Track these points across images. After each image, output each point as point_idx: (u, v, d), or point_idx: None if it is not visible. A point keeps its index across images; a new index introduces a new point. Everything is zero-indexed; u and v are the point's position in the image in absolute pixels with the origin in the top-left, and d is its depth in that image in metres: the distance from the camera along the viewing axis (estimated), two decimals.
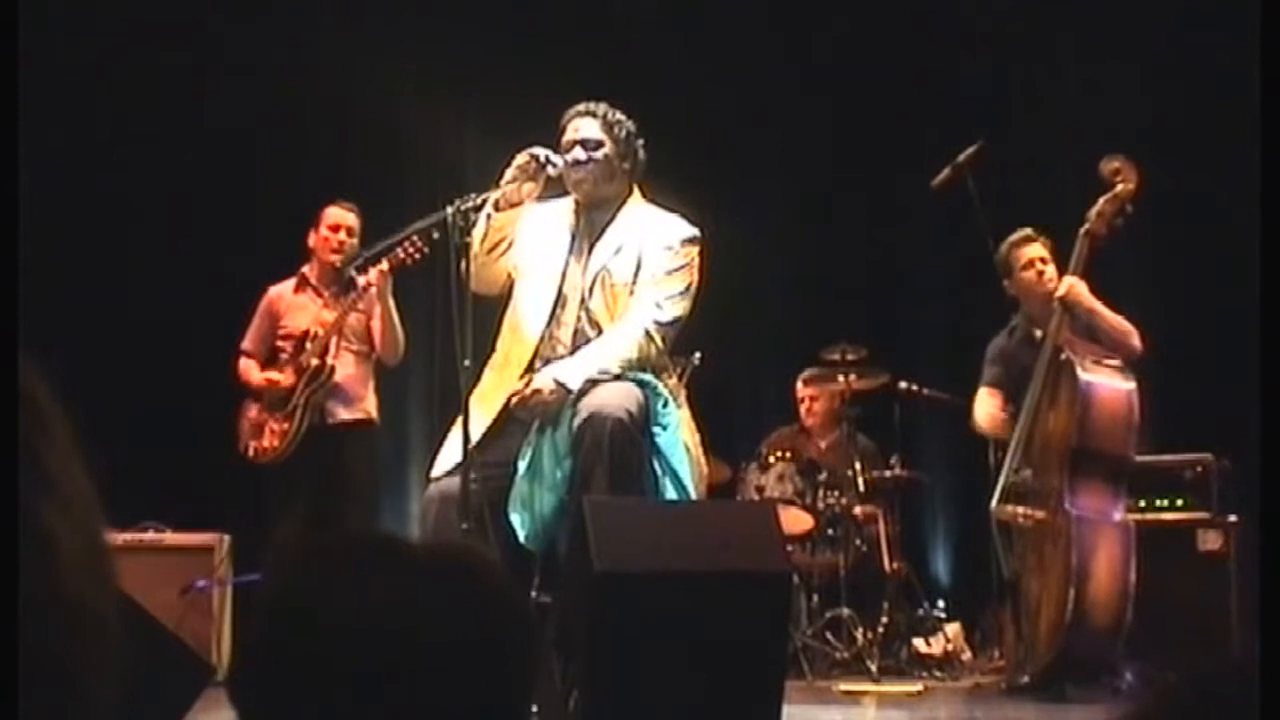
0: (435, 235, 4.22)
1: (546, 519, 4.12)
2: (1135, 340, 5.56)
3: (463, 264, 4.17)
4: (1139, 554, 5.32)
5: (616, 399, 4.07)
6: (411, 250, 5.55)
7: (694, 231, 4.36)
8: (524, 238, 4.43)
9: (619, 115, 4.43)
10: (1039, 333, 5.61)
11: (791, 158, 7.97)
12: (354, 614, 1.06)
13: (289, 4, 7.62)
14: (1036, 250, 5.68)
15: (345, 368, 5.97)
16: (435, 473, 4.26)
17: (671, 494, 4.11)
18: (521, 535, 4.12)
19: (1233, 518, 5.78)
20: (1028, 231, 5.72)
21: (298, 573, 1.12)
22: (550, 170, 4.29)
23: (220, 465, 6.93)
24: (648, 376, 4.22)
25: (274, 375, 5.93)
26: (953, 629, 6.84)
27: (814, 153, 7.91)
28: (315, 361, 5.85)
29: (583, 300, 4.32)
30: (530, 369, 4.33)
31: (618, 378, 4.17)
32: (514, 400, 4.20)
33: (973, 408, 5.85)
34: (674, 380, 4.40)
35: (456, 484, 4.09)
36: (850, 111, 7.81)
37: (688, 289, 4.32)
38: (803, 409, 7.51)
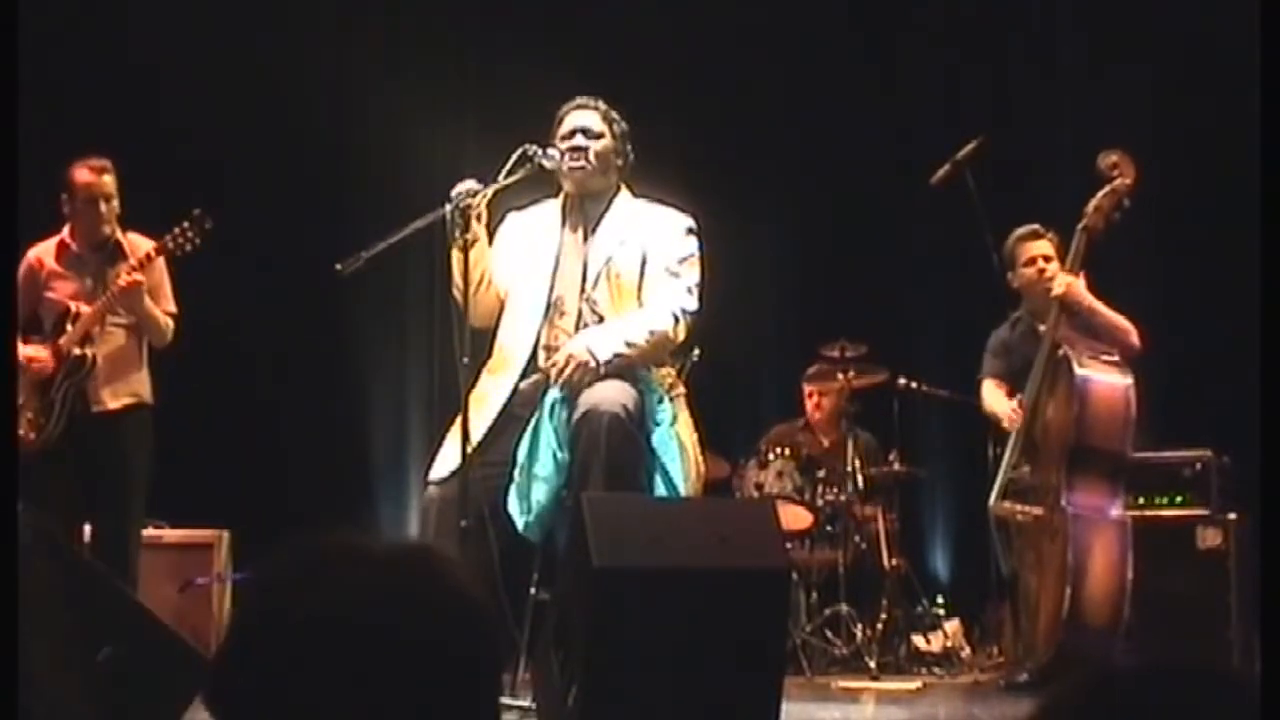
0: (475, 222, 4.22)
1: (542, 508, 4.14)
2: (1134, 338, 5.56)
3: (460, 261, 4.19)
4: (1138, 551, 5.32)
5: (613, 395, 4.08)
6: (181, 240, 5.29)
7: (691, 222, 4.44)
8: (510, 245, 4.49)
9: (615, 112, 4.50)
10: (1042, 327, 5.61)
11: (791, 154, 7.96)
12: (318, 615, 1.06)
13: (290, 2, 7.61)
14: (1040, 247, 5.68)
15: (113, 343, 5.42)
16: (434, 475, 4.26)
17: (662, 491, 4.12)
18: (519, 525, 4.14)
19: (1232, 515, 5.79)
20: (1035, 227, 5.72)
21: (269, 576, 1.13)
22: (546, 163, 4.32)
23: (220, 461, 6.96)
24: (643, 371, 4.24)
25: (35, 353, 5.34)
26: (952, 625, 6.84)
27: (814, 149, 7.90)
28: (76, 351, 5.32)
29: (584, 290, 4.35)
30: (527, 369, 4.35)
31: (633, 360, 4.21)
32: (552, 371, 4.20)
33: (980, 398, 5.85)
34: (672, 375, 4.41)
35: (455, 485, 4.10)
36: (850, 107, 7.81)
37: (699, 279, 4.39)
38: (809, 405, 7.52)
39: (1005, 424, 5.64)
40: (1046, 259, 5.66)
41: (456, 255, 4.21)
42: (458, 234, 4.17)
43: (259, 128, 7.44)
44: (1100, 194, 5.47)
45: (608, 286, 4.33)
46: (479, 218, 4.24)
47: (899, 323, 7.71)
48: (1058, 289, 5.46)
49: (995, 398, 5.77)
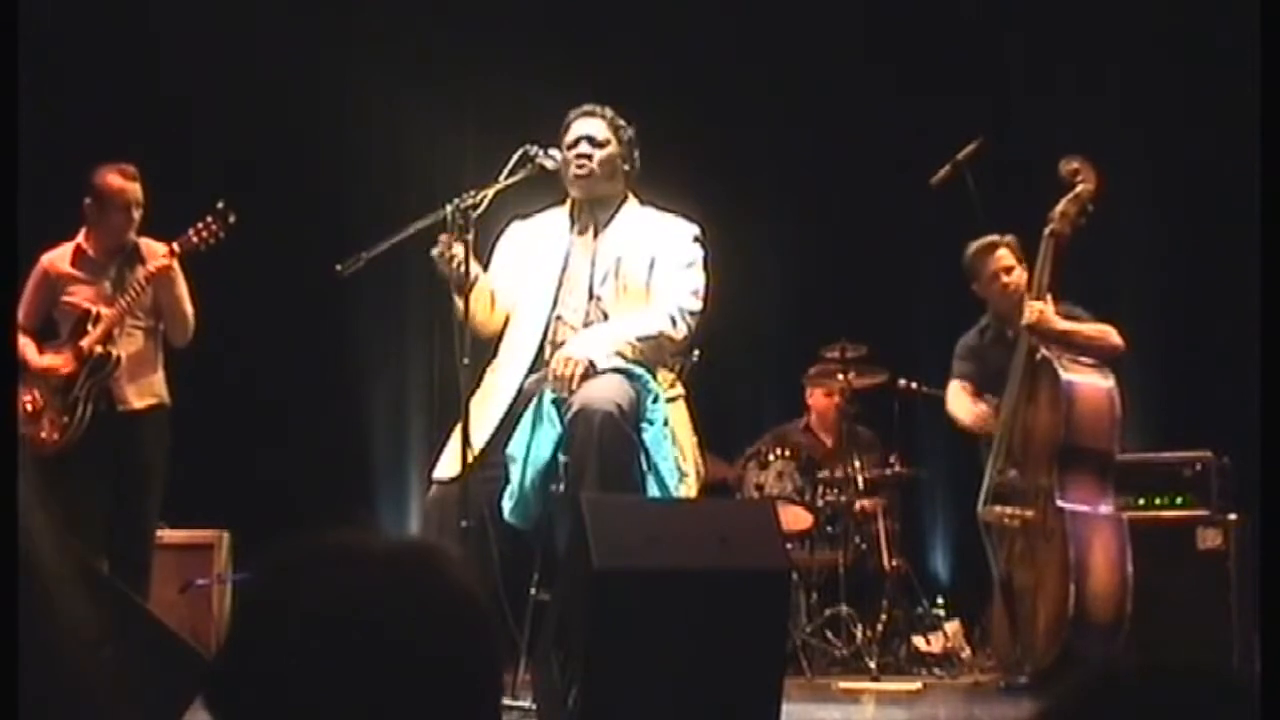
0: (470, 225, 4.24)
1: (527, 494, 4.15)
2: (1114, 338, 5.57)
3: (460, 306, 4.21)
4: (1137, 551, 5.33)
5: (607, 393, 4.11)
6: (205, 234, 5.29)
7: (698, 229, 4.48)
8: (515, 250, 4.52)
9: (623, 120, 4.53)
10: (1010, 332, 5.65)
11: (791, 155, 7.96)
12: (317, 614, 1.06)
13: (290, 2, 7.61)
14: (1001, 259, 5.72)
15: (132, 345, 5.41)
16: (439, 474, 4.27)
17: (653, 491, 4.13)
18: (507, 510, 4.15)
19: (1232, 516, 5.79)
20: (991, 239, 5.75)
21: (265, 577, 1.13)
22: (548, 164, 4.34)
23: (220, 462, 6.96)
24: (640, 370, 4.25)
25: (52, 362, 5.35)
26: (952, 626, 6.84)
27: (813, 150, 7.90)
28: (99, 350, 5.31)
29: (591, 289, 4.37)
30: (533, 367, 4.37)
31: (629, 359, 4.23)
32: (551, 380, 4.21)
33: (947, 403, 5.88)
34: (671, 376, 4.42)
35: (458, 486, 4.12)
36: (850, 108, 7.81)
37: (704, 283, 4.43)
38: (810, 406, 7.53)
39: (975, 428, 5.65)
40: (1007, 272, 5.70)
41: (457, 300, 4.23)
42: (456, 259, 4.18)
43: (258, 128, 7.44)
44: (1065, 200, 5.52)
45: (615, 286, 4.36)
46: (472, 232, 4.26)
47: (899, 323, 7.71)
48: (1029, 318, 5.47)
49: (959, 402, 5.80)
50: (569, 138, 4.46)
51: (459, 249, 4.20)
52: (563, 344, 4.32)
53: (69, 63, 7.14)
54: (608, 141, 4.46)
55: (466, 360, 4.16)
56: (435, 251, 4.23)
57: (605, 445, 4.03)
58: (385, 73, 7.50)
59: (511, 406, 4.30)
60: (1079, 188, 5.51)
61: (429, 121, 7.60)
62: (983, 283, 5.76)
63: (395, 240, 4.28)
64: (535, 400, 4.24)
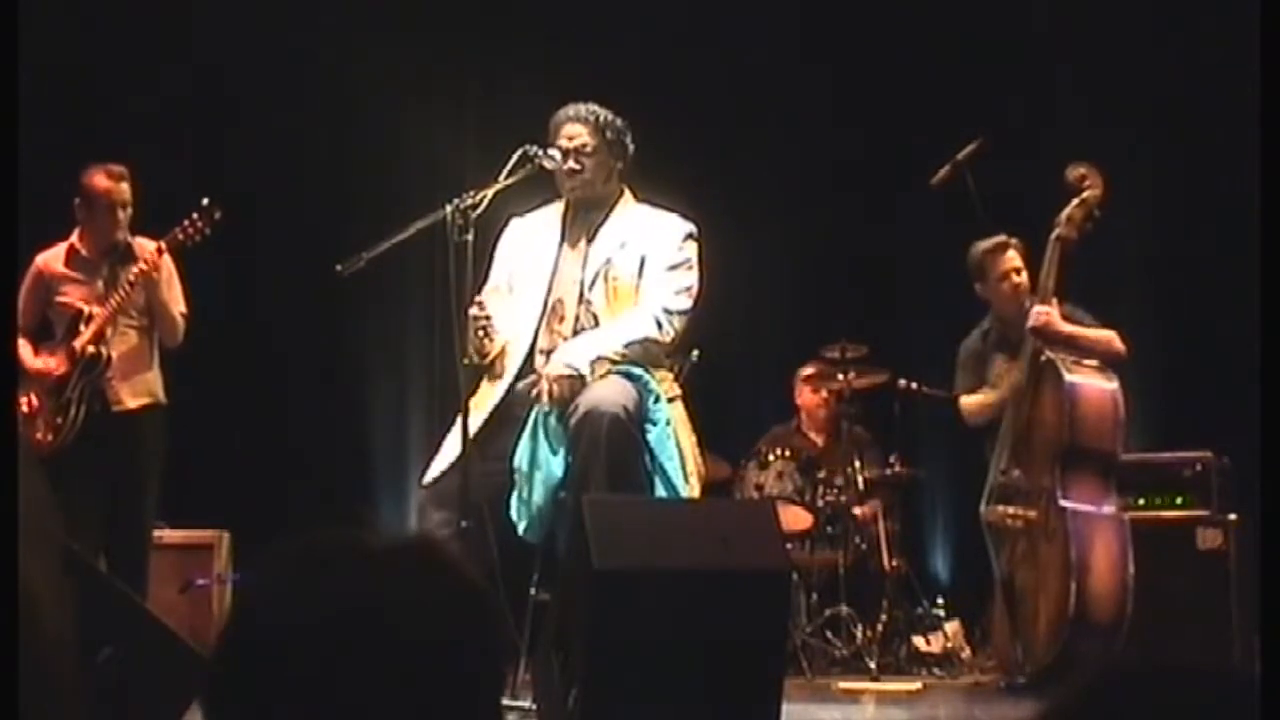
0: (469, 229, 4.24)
1: (541, 509, 4.14)
2: (1118, 344, 5.59)
3: (459, 262, 4.21)
4: (1138, 551, 5.33)
5: (612, 395, 4.10)
6: (191, 230, 5.31)
7: (692, 227, 4.45)
8: (512, 250, 4.51)
9: (608, 115, 4.50)
10: (1013, 335, 5.65)
11: (791, 154, 7.96)
12: (317, 614, 1.06)
13: (290, 2, 7.61)
14: (1010, 260, 5.72)
15: (126, 344, 5.42)
16: (427, 479, 4.28)
17: (660, 491, 4.13)
18: (520, 528, 4.14)
19: (1232, 516, 5.79)
20: (1001, 239, 5.75)
21: (264, 576, 1.13)
22: (547, 164, 4.34)
23: (220, 462, 6.95)
24: (640, 371, 4.25)
25: (45, 363, 5.36)
26: (952, 627, 6.84)
27: (813, 149, 7.90)
28: (91, 350, 5.32)
29: (582, 294, 4.36)
30: (523, 371, 4.35)
31: (615, 363, 4.21)
32: (534, 395, 4.21)
33: (964, 414, 5.88)
34: (669, 376, 4.41)
35: (452, 485, 4.11)
36: (850, 106, 7.81)
37: (693, 284, 4.39)
38: (799, 403, 7.53)
39: (1007, 398, 5.60)
40: (1017, 271, 5.71)
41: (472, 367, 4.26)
42: (458, 235, 4.18)
43: (259, 127, 7.44)
44: (1072, 205, 5.52)
45: (605, 289, 4.34)
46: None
47: (899, 323, 7.71)
48: (1034, 321, 5.47)
49: (977, 401, 5.80)
50: (557, 144, 4.45)
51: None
52: (552, 350, 4.30)
53: (68, 62, 7.14)
54: (596, 149, 4.43)
55: (467, 360, 4.16)
56: (473, 313, 4.23)
57: (613, 447, 4.01)
58: (385, 72, 7.49)
59: (503, 403, 4.29)
60: (1086, 193, 5.51)
61: (429, 121, 7.59)
62: (990, 283, 5.75)
63: (395, 240, 4.28)
64: (533, 416, 4.22)
